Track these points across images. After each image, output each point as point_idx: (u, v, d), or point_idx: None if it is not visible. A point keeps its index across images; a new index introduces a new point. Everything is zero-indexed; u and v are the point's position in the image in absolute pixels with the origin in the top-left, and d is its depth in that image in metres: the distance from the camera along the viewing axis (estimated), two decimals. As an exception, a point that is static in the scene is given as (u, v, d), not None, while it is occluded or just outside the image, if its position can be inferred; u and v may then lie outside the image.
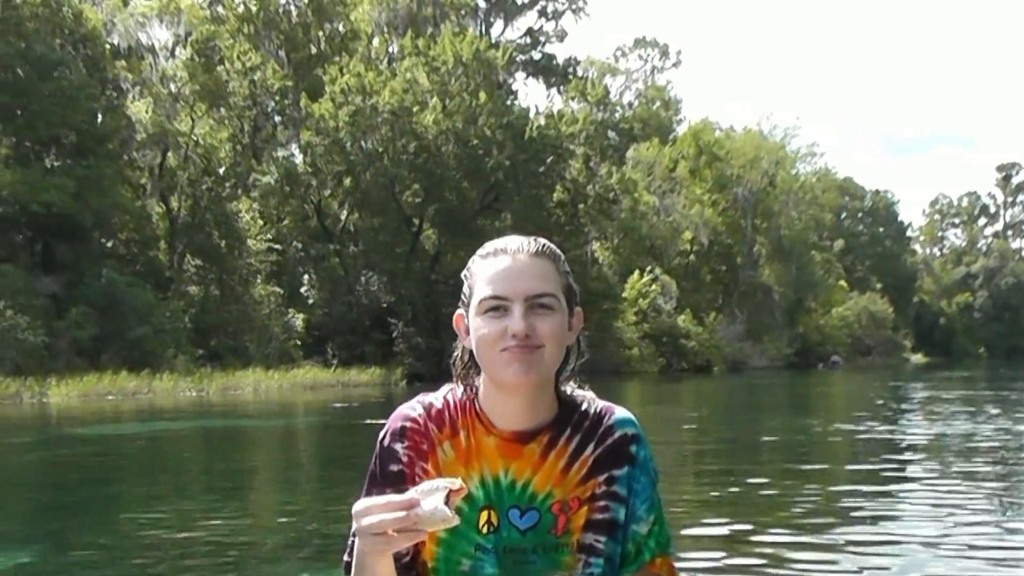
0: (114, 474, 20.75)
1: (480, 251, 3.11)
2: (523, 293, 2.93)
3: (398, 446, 3.08)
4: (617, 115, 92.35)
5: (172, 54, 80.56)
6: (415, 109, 77.92)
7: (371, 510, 2.62)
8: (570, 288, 3.09)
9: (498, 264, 2.99)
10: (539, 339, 2.91)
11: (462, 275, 3.14)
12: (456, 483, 2.64)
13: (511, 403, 3.03)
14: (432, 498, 2.60)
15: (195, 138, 76.02)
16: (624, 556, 3.11)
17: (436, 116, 77.93)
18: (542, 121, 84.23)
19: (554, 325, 2.94)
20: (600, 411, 3.16)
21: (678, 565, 3.25)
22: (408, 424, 3.10)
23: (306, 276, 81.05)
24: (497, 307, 2.94)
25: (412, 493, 2.63)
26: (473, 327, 3.00)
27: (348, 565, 2.97)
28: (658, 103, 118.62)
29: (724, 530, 11.80)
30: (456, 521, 2.62)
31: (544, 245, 3.08)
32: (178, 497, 16.58)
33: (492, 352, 2.92)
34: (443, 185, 79.09)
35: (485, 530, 3.04)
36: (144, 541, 12.13)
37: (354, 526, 2.68)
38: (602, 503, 3.07)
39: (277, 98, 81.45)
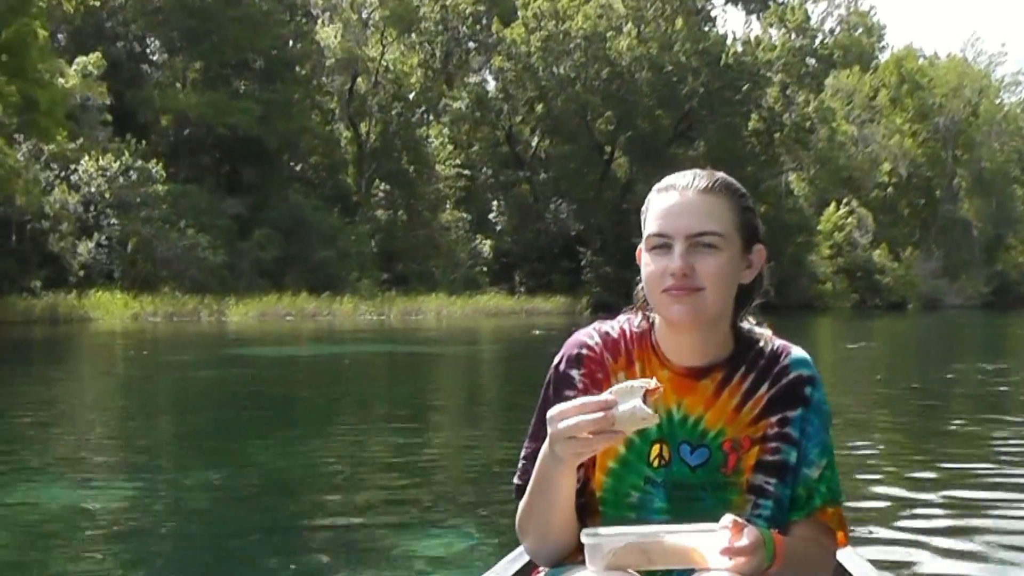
0: (290, 396, 19.73)
1: (657, 185, 2.88)
2: (684, 231, 2.73)
3: (574, 372, 2.91)
4: (817, 41, 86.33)
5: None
6: (609, 35, 73.95)
7: (567, 413, 2.53)
8: (748, 225, 2.84)
9: (667, 200, 2.79)
10: (699, 280, 2.72)
11: (642, 208, 2.89)
12: (652, 382, 2.56)
13: (681, 340, 2.85)
14: (629, 397, 2.52)
15: (385, 63, 72.89)
16: (794, 500, 2.89)
17: (631, 42, 74.00)
18: (739, 48, 79.55)
19: (717, 265, 2.74)
20: (776, 350, 2.93)
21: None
22: (584, 352, 2.92)
23: (495, 203, 77.87)
24: (661, 244, 2.75)
25: (607, 395, 2.54)
26: (642, 263, 2.83)
27: (519, 488, 2.88)
28: (860, 29, 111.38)
29: (901, 486, 9.99)
30: (656, 419, 2.56)
31: (717, 181, 2.82)
32: (355, 423, 15.57)
33: (656, 291, 2.76)
34: (636, 112, 75.21)
35: (656, 463, 2.86)
36: (320, 468, 11.33)
37: (525, 448, 2.82)
38: (773, 444, 2.86)
39: (469, 23, 77.87)
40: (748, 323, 3.00)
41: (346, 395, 20.23)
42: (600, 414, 2.50)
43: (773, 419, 2.87)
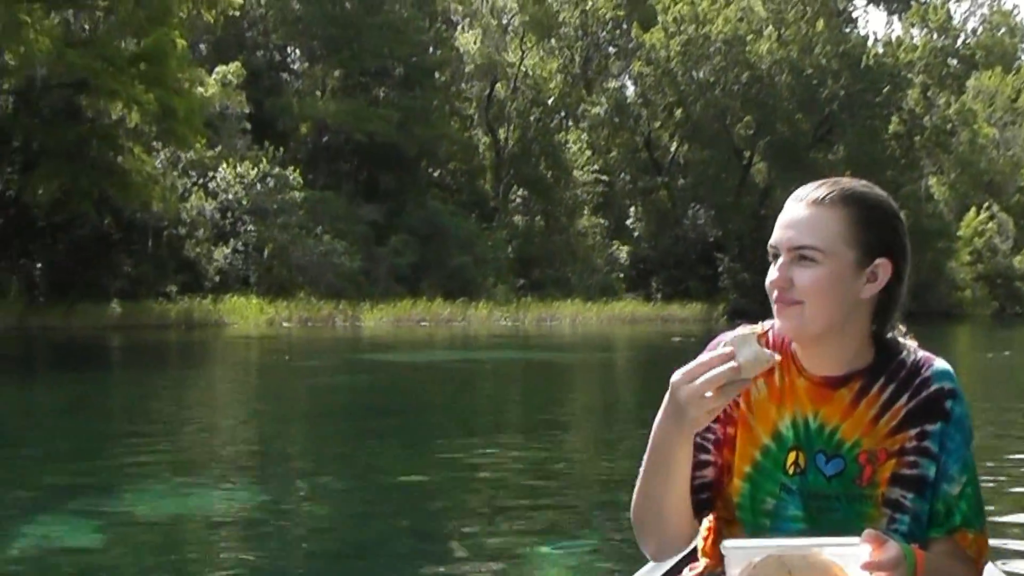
0: (424, 403, 19.83)
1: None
2: (786, 243, 2.70)
3: None
4: (959, 42, 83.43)
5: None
6: (749, 38, 71.96)
7: (694, 372, 2.50)
8: (868, 238, 2.72)
9: (785, 210, 2.78)
10: (797, 294, 2.68)
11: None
12: (757, 328, 2.59)
13: (812, 350, 2.78)
14: (747, 344, 2.50)
15: (524, 69, 71.62)
16: (933, 516, 2.79)
17: (771, 45, 71.87)
18: (880, 49, 76.71)
19: (814, 279, 2.67)
20: (919, 361, 2.83)
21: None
22: None
23: (632, 208, 76.15)
24: (773, 255, 2.74)
25: (721, 348, 2.52)
26: None
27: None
28: (1003, 29, 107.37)
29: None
30: (778, 358, 2.55)
31: (835, 192, 2.74)
32: (489, 430, 15.70)
33: (770, 301, 2.76)
34: (775, 116, 73.09)
35: (791, 471, 2.80)
36: (453, 476, 11.37)
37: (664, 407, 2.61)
38: (911, 458, 2.77)
39: (608, 28, 76.38)
40: (897, 333, 2.89)
41: (480, 402, 20.21)
42: (728, 365, 2.46)
43: (912, 432, 2.78)
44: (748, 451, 2.76)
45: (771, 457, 2.80)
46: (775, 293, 2.71)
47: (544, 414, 17.72)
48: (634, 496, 2.78)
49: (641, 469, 2.72)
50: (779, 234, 2.72)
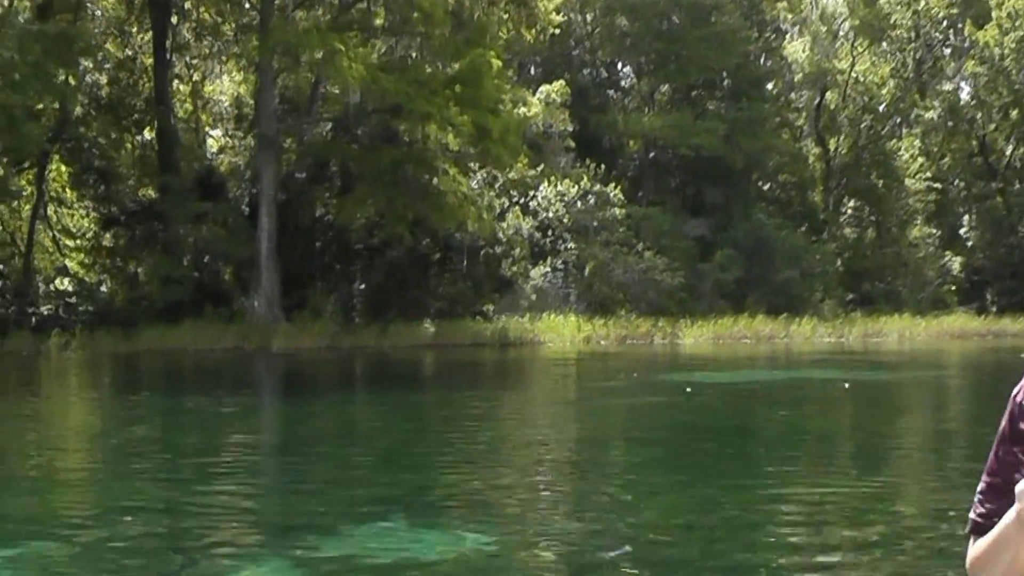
0: (744, 425, 18.49)
1: None
2: None
3: None
4: None
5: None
6: (1093, 33, 63.10)
7: None
8: None
9: None
10: None
11: None
12: None
13: None
14: None
15: (855, 75, 65.14)
16: None
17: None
18: None
19: None
20: None
21: None
22: None
23: (966, 217, 68.23)
24: None
25: None
26: None
27: (974, 524, 2.46)
28: None
29: None
30: None
31: None
32: (811, 457, 14.50)
33: None
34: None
35: None
36: (774, 507, 10.51)
37: (982, 482, 2.42)
38: None
39: (942, 27, 68.67)
40: None
41: (805, 426, 18.69)
42: None
43: None
44: None
45: None
46: None
47: (868, 441, 16.29)
48: (974, 550, 2.39)
49: (988, 539, 2.32)
50: None
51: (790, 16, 66.64)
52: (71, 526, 10.11)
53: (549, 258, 48.68)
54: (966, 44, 65.51)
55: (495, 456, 14.94)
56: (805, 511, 10.52)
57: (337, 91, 45.04)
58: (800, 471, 13.19)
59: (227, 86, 50.79)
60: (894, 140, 66.16)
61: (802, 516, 10.26)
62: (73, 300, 42.36)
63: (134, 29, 47.20)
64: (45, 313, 41.25)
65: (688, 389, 24.27)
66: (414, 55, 45.45)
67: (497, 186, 48.70)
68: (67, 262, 45.45)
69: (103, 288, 44.05)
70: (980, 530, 2.39)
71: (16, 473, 14.01)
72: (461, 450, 15.08)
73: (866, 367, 33.67)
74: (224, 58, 49.38)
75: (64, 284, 44.07)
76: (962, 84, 69.11)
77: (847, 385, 25.53)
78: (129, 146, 46.86)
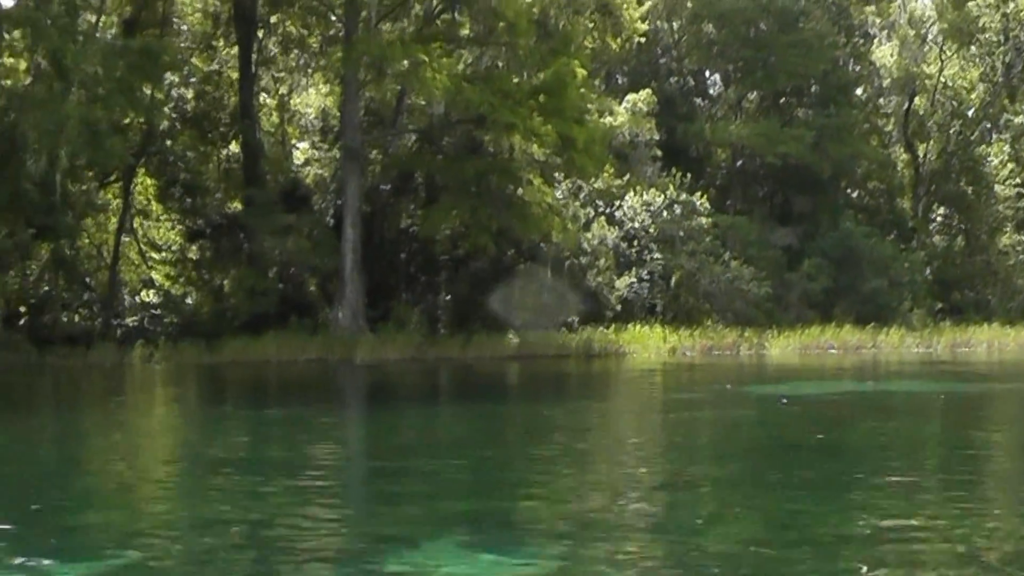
0: (829, 439, 17.34)
1: None
2: None
3: None
4: None
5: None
6: None
7: None
8: None
9: None
10: None
11: None
12: None
13: None
14: None
15: (944, 80, 63.05)
16: None
17: None
18: None
19: None
20: None
21: None
22: None
23: (1057, 224, 65.72)
24: None
25: None
26: None
27: None
28: None
29: None
30: None
31: None
32: (900, 473, 13.53)
33: None
34: None
35: None
36: (858, 524, 10.02)
37: None
38: None
39: (1033, 31, 66.27)
40: None
41: (897, 438, 17.96)
42: None
43: None
44: None
45: None
46: None
47: (970, 454, 15.65)
48: None
49: None
50: None
51: (878, 20, 64.77)
52: (158, 536, 10.25)
53: (635, 268, 47.45)
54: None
55: (583, 470, 14.58)
56: (899, 527, 10.21)
57: (422, 102, 44.42)
58: (897, 485, 12.71)
59: (313, 98, 50.34)
60: (983, 146, 63.87)
61: (896, 533, 9.93)
62: (158, 312, 42.05)
63: (220, 43, 46.85)
64: (130, 325, 40.99)
65: (784, 400, 23.87)
66: (500, 65, 44.68)
67: (582, 196, 47.62)
68: (153, 274, 45.24)
69: (188, 300, 43.77)
70: None
71: (106, 484, 14.02)
72: (545, 464, 14.83)
73: (957, 378, 32.85)
74: (310, 71, 48.94)
75: (150, 296, 43.80)
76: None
77: (942, 396, 25.06)
78: (215, 159, 46.50)
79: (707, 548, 9.44)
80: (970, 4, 62.98)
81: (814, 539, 9.67)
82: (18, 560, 9.12)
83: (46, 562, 9.05)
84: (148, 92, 39.83)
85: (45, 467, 15.68)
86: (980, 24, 63.67)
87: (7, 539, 9.97)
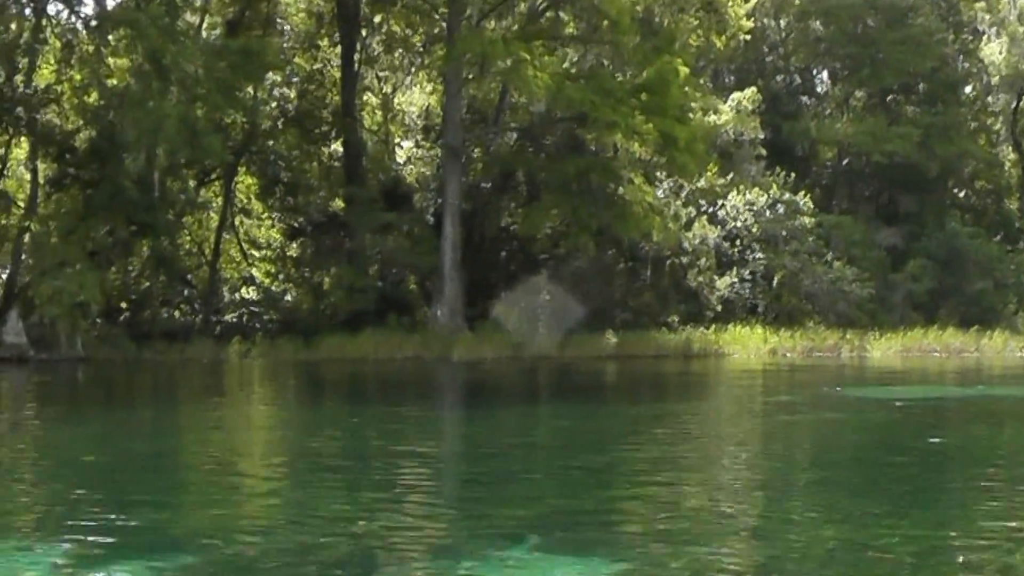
0: (927, 446, 16.49)
1: None
2: None
3: None
4: None
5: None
6: None
7: None
8: None
9: None
10: None
11: None
12: None
13: None
14: None
15: (1054, 78, 60.44)
16: None
17: None
18: None
19: None
20: None
21: None
22: None
23: None
24: None
25: None
26: None
27: None
28: None
29: None
30: None
31: None
32: (998, 483, 12.67)
33: None
34: None
35: None
36: (957, 537, 9.60)
37: None
38: None
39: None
40: None
41: (1002, 446, 17.03)
42: None
43: None
44: None
45: None
46: None
47: None
48: None
49: None
50: None
51: (987, 17, 62.41)
52: (255, 532, 10.18)
53: (736, 268, 46.21)
54: None
55: (689, 473, 14.14)
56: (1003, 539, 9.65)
57: (524, 101, 43.70)
58: (999, 496, 11.92)
59: (416, 97, 49.79)
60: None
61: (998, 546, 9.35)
62: (258, 309, 41.77)
63: (324, 43, 46.45)
64: (229, 321, 40.77)
65: (838, 388, 23.71)
66: (605, 63, 43.77)
67: (684, 195, 46.47)
68: (253, 271, 44.99)
69: (287, 297, 43.43)
70: None
71: (205, 480, 13.87)
72: (642, 466, 14.26)
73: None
74: (413, 69, 48.40)
75: (249, 293, 43.56)
76: None
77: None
78: (317, 158, 46.09)
79: (808, 551, 9.25)
80: (1082, 0, 60.84)
81: (918, 545, 9.33)
82: (113, 553, 9.05)
83: (144, 555, 8.88)
84: (249, 91, 39.53)
85: (142, 459, 15.40)
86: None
87: (102, 531, 9.79)
